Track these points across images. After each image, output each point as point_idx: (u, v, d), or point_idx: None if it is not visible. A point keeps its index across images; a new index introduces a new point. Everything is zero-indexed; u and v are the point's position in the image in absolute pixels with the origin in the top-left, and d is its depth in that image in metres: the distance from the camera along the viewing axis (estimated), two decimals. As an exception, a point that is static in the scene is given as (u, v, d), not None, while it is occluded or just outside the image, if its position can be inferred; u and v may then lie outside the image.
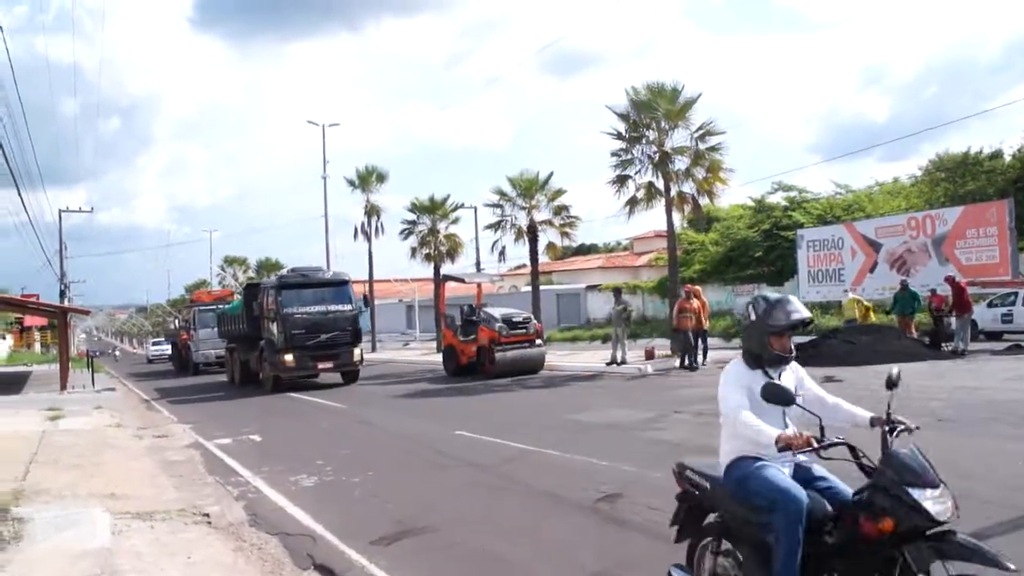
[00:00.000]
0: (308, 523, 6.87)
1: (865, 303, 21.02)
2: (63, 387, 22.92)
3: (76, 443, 11.62)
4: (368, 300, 22.76)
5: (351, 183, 38.74)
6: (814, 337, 19.97)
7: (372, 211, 38.56)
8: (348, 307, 21.47)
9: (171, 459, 10.90)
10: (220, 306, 31.07)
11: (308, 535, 6.49)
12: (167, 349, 47.57)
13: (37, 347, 68.28)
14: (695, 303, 19.38)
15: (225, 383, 25.48)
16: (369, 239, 38.67)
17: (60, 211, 46.85)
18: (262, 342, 21.52)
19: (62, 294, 45.58)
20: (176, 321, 43.28)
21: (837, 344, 18.03)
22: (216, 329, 28.78)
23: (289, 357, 20.26)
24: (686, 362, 18.87)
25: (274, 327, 20.70)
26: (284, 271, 22.72)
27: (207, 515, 7.21)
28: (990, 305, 21.22)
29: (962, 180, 31.58)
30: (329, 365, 21.17)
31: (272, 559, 5.89)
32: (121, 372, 38.91)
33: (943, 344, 18.40)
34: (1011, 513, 5.57)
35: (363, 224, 38.80)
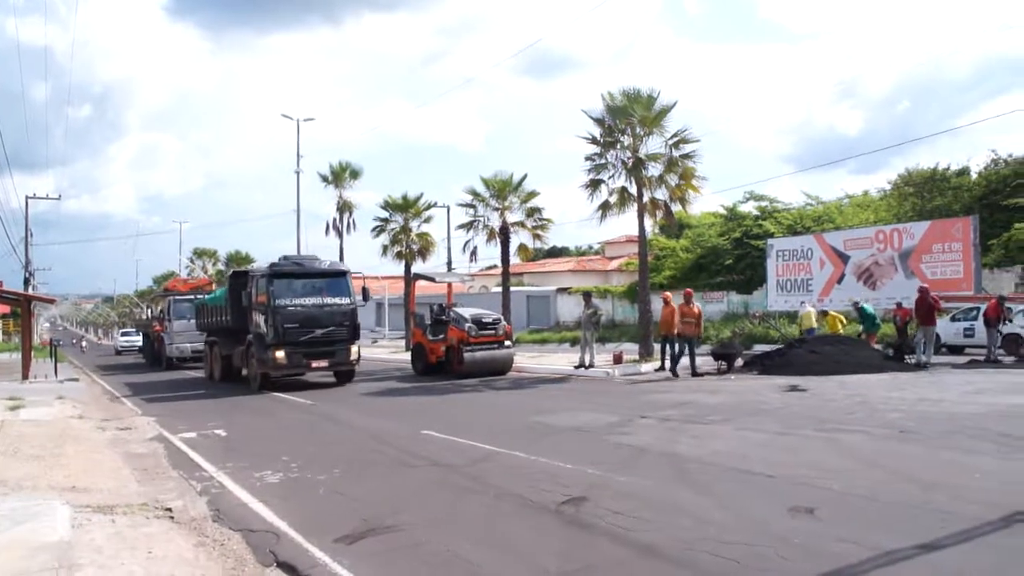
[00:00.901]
0: (272, 520, 6.84)
1: (833, 313, 21.30)
2: (25, 376, 22.59)
3: (37, 434, 11.46)
4: (368, 294, 20.87)
5: (324, 178, 38.51)
6: (780, 346, 20.23)
7: (344, 207, 38.37)
8: (346, 300, 19.83)
9: (134, 452, 10.79)
10: (199, 296, 29.00)
11: (272, 532, 6.46)
12: (137, 340, 46.28)
13: (-2, 335, 67.18)
14: (696, 308, 19.11)
15: (202, 379, 24.15)
16: (340, 235, 38.46)
17: (27, 197, 46.00)
18: (249, 336, 19.88)
19: (26, 282, 44.73)
20: (148, 311, 41.78)
21: (802, 353, 18.25)
22: (193, 320, 26.93)
23: (280, 354, 18.68)
24: (666, 366, 18.79)
25: (263, 320, 19.07)
26: (277, 259, 20.53)
27: (169, 509, 7.16)
28: (953, 319, 21.61)
29: (929, 195, 32.12)
30: (323, 363, 19.61)
31: (235, 555, 5.86)
32: (88, 364, 37.57)
33: (906, 356, 18.68)
34: (965, 524, 5.69)
35: (335, 220, 38.59)
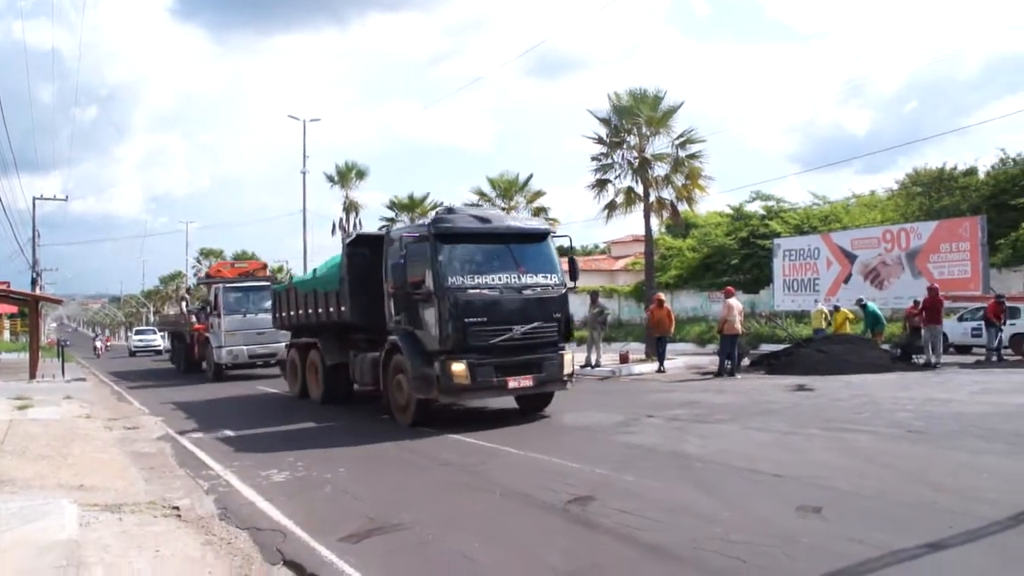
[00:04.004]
0: (278, 518, 6.85)
1: (845, 312, 21.19)
2: (32, 376, 22.66)
3: (45, 433, 11.49)
4: (577, 270, 12.89)
5: (330, 178, 38.66)
6: (787, 346, 20.19)
7: (351, 207, 38.50)
8: (553, 279, 12.08)
9: (141, 451, 10.82)
10: (279, 280, 22.67)
11: (278, 530, 6.47)
12: (154, 341, 44.44)
13: (6, 335, 67.43)
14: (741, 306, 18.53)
15: (282, 396, 17.88)
16: (347, 235, 38.53)
17: (34, 198, 46.26)
18: (391, 337, 12.21)
19: (34, 282, 44.96)
20: (183, 304, 36.28)
21: (809, 353, 18.21)
22: (250, 315, 22.29)
23: (459, 367, 11.07)
24: (728, 367, 17.85)
25: (423, 311, 11.59)
26: (436, 211, 13.99)
27: (177, 508, 7.17)
28: (960, 319, 21.53)
29: (937, 195, 32.07)
30: (527, 382, 11.65)
31: (242, 554, 5.87)
32: (104, 372, 30.39)
33: (914, 356, 18.61)
34: (972, 523, 5.66)
35: (341, 220, 38.72)
